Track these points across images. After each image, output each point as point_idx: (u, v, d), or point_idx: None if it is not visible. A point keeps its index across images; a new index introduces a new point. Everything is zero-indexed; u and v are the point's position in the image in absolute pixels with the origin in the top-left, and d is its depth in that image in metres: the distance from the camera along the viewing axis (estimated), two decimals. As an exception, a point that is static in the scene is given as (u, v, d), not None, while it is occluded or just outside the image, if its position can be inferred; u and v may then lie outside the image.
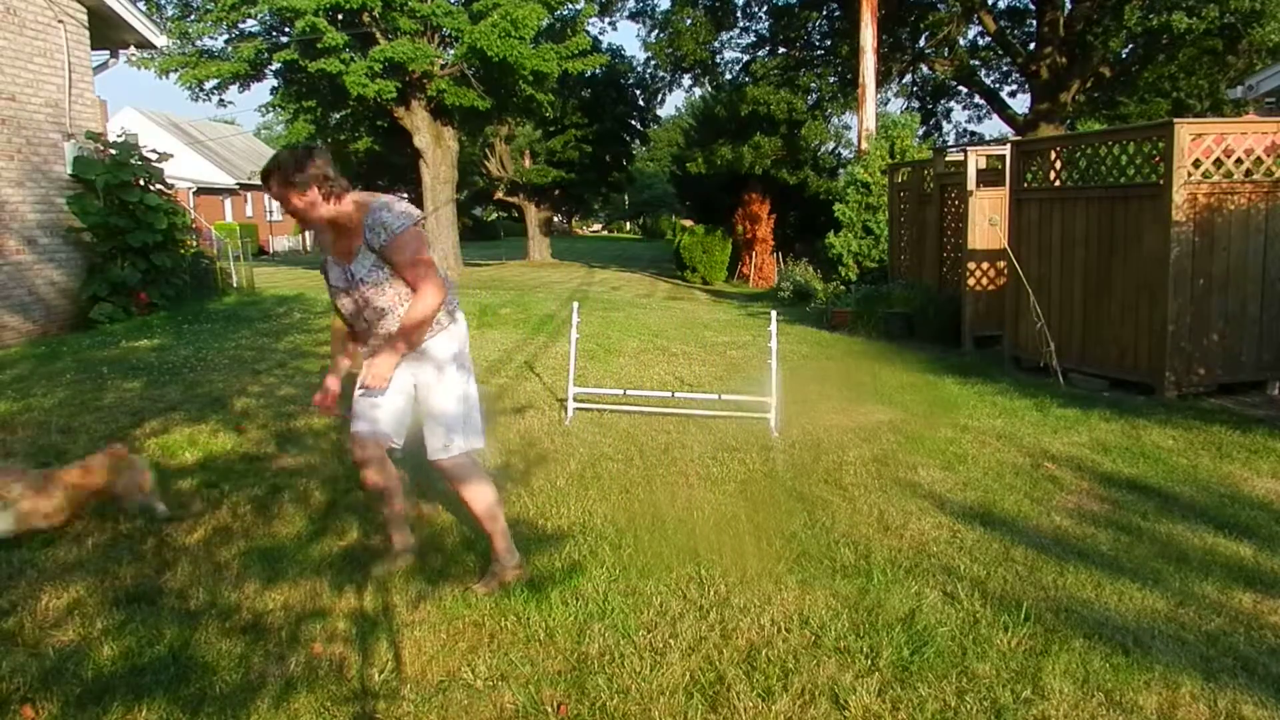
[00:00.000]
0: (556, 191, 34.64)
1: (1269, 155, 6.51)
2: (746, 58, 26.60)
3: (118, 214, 10.55)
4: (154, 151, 11.40)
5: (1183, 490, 4.45)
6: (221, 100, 21.49)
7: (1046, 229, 7.64)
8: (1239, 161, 6.47)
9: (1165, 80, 22.19)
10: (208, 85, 20.49)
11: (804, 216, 24.85)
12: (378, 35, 19.60)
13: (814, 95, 24.29)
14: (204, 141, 37.82)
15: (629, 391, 6.40)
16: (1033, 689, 2.62)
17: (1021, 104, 26.21)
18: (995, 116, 26.07)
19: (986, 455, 5.10)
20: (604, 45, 30.16)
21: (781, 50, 25.48)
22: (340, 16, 18.83)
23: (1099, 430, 5.63)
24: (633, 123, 34.96)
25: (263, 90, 49.72)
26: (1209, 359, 6.61)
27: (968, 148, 9.94)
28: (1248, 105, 13.04)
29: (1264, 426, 5.61)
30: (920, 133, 20.60)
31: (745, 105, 23.34)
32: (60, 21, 10.26)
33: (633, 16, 28.67)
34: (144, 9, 12.70)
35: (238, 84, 20.76)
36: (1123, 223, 6.87)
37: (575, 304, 6.61)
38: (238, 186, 36.79)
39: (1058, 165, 7.67)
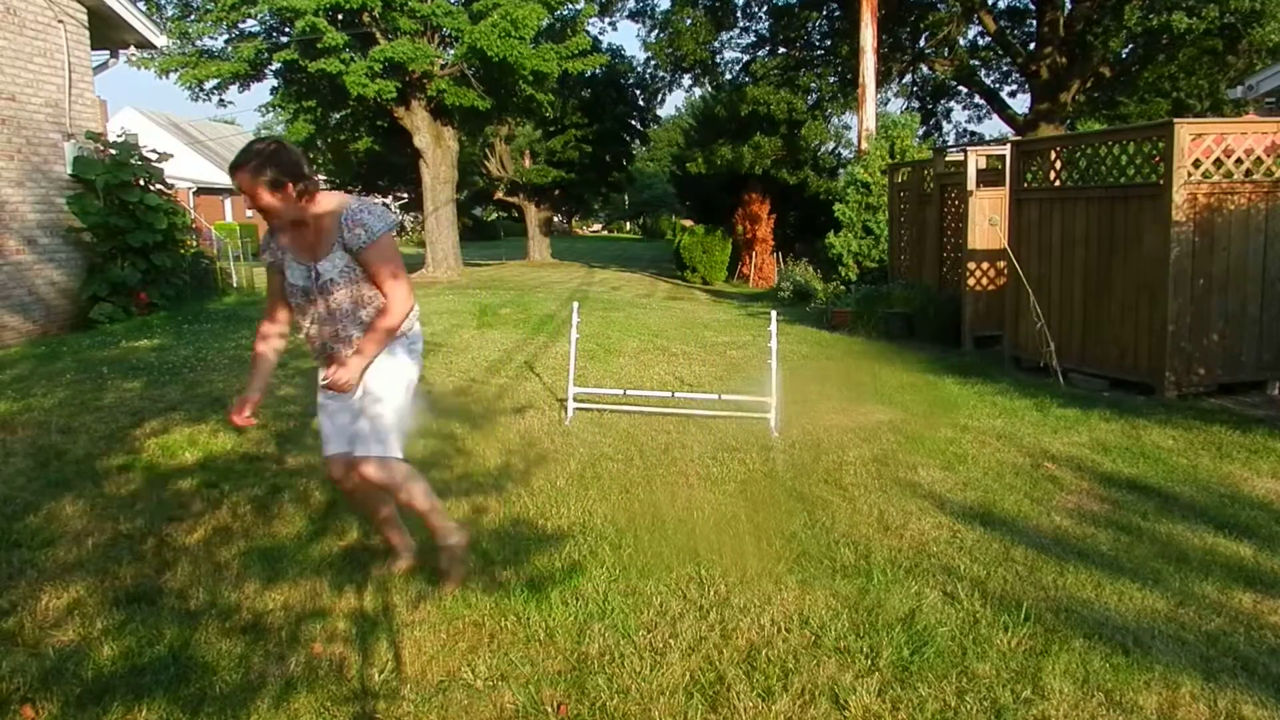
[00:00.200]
0: (556, 191, 34.64)
1: (1269, 155, 6.51)
2: (746, 58, 26.60)
3: (118, 214, 10.55)
4: (154, 151, 11.41)
5: (1183, 490, 4.45)
6: (221, 100, 21.49)
7: (1046, 229, 7.64)
8: (1239, 161, 6.47)
9: (1165, 80, 22.18)
10: (208, 85, 20.49)
11: (804, 216, 24.84)
12: (378, 35, 19.61)
13: (814, 95, 24.28)
14: (204, 141, 37.84)
15: (629, 391, 6.40)
16: (1033, 689, 2.61)
17: (1021, 104, 26.23)
18: (995, 116, 26.08)
19: (986, 455, 5.10)
20: (604, 45, 30.15)
21: (781, 50, 25.46)
22: (340, 16, 18.83)
23: (1099, 430, 5.63)
24: (633, 123, 34.94)
25: (263, 90, 49.80)
26: (1209, 359, 6.61)
27: (968, 148, 9.94)
28: (1248, 105, 13.05)
29: (1264, 426, 5.61)
30: (920, 133, 20.60)
31: (745, 105, 23.33)
32: (60, 21, 10.26)
33: (633, 16, 28.68)
34: (144, 9, 12.70)
35: (238, 84, 20.76)
36: (1123, 223, 6.87)
37: (575, 304, 6.61)
38: (238, 186, 36.75)
39: (1058, 165, 7.67)
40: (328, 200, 3.07)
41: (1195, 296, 6.52)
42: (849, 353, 9.28)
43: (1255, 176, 6.50)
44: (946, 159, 10.73)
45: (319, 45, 18.13)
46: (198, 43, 20.63)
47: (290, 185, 2.94)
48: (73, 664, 2.75)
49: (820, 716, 2.51)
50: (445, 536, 3.28)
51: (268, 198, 2.93)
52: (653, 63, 27.82)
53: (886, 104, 25.61)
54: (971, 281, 9.32)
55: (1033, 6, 22.76)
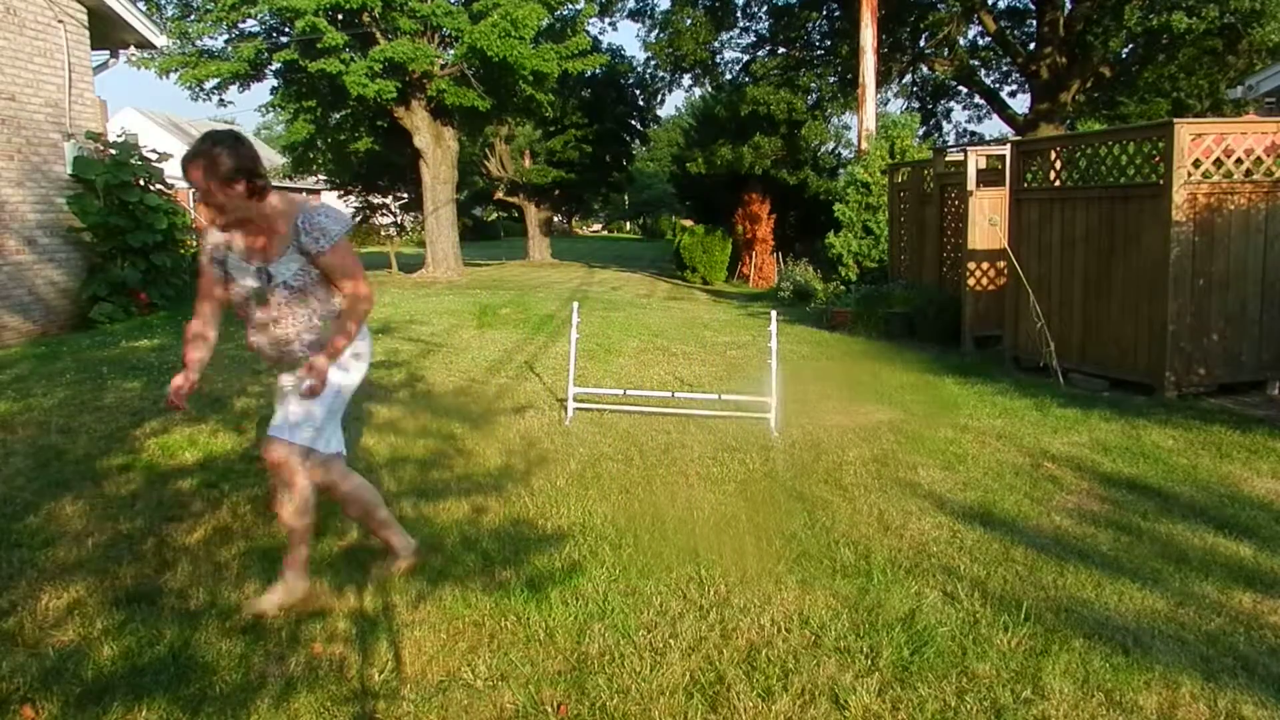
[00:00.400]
0: (556, 191, 34.62)
1: (1269, 155, 6.51)
2: (746, 58, 26.59)
3: (118, 214, 10.54)
4: (154, 151, 11.40)
5: (1183, 490, 4.45)
6: (221, 100, 21.40)
7: (1046, 229, 7.64)
8: (1239, 161, 6.47)
9: (1165, 80, 22.17)
10: (208, 85, 20.46)
11: (804, 216, 24.82)
12: (378, 35, 19.59)
13: (814, 95, 24.27)
14: (204, 141, 37.72)
15: (629, 391, 6.40)
16: (1033, 689, 2.62)
17: (1021, 104, 26.20)
18: (995, 116, 26.06)
19: (986, 455, 5.10)
20: (604, 45, 30.14)
21: (781, 50, 25.46)
22: (340, 16, 18.81)
23: (1099, 430, 5.63)
24: (633, 123, 34.93)
25: (263, 90, 49.77)
26: (1209, 359, 6.61)
27: (968, 148, 9.94)
28: (1248, 105, 13.06)
29: (1264, 426, 5.62)
30: (920, 133, 20.60)
31: (745, 105, 23.32)
32: (60, 21, 10.26)
33: (632, 16, 28.59)
34: (144, 9, 12.70)
35: (238, 84, 20.73)
36: (1123, 223, 6.87)
37: (575, 304, 6.61)
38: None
39: (1058, 165, 7.67)
40: (279, 200, 2.99)
41: (1195, 296, 6.52)
42: (849, 353, 9.28)
43: (1255, 176, 6.50)
44: (946, 159, 10.73)
45: (319, 45, 18.12)
46: (198, 43, 20.60)
47: (245, 182, 2.84)
48: (73, 664, 2.75)
49: (820, 716, 2.51)
50: (295, 555, 3.14)
51: (220, 193, 2.82)
52: (653, 63, 27.81)
53: (886, 104, 25.64)
54: (971, 281, 9.32)
55: (1033, 6, 22.75)
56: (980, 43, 25.92)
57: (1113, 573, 3.42)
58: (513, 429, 5.71)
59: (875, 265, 13.89)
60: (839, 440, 5.43)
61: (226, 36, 20.79)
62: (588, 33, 22.44)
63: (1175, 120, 6.48)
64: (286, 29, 19.49)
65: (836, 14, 24.26)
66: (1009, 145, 8.44)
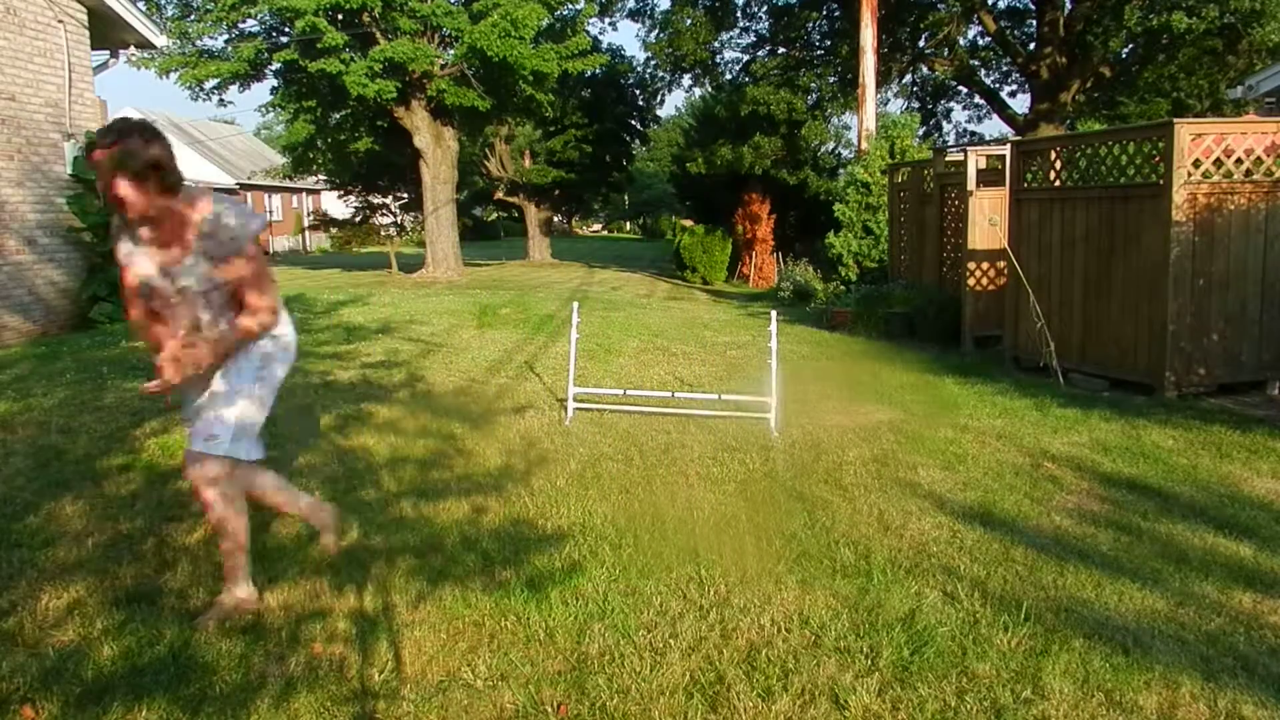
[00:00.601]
0: (556, 191, 34.62)
1: (1269, 155, 6.51)
2: (746, 58, 26.59)
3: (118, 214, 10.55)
4: (154, 151, 11.40)
5: (1183, 490, 4.45)
6: (221, 100, 21.44)
7: (1046, 229, 7.64)
8: (1239, 161, 6.47)
9: (1165, 80, 22.17)
10: (208, 85, 20.47)
11: (804, 216, 24.82)
12: (378, 35, 19.60)
13: (814, 95, 24.27)
14: (204, 141, 37.83)
15: (629, 391, 6.40)
16: (1033, 689, 2.62)
17: (1021, 104, 26.21)
18: (995, 116, 26.06)
19: (986, 455, 5.10)
20: (604, 45, 30.15)
21: (781, 50, 25.46)
22: (340, 16, 18.82)
23: (1099, 430, 5.63)
24: (633, 123, 34.93)
25: (263, 90, 49.77)
26: (1209, 359, 6.61)
27: (968, 148, 9.94)
28: (1248, 105, 13.06)
29: (1264, 426, 5.62)
30: (920, 133, 20.61)
31: (745, 105, 23.32)
32: (60, 21, 10.26)
33: (632, 16, 28.58)
34: (144, 9, 12.69)
35: (238, 84, 20.74)
36: (1123, 223, 6.87)
37: (575, 304, 6.61)
38: (237, 186, 36.81)
39: (1058, 165, 7.67)
40: (190, 198, 2.80)
41: (1195, 296, 6.52)
42: (849, 353, 9.28)
43: (1255, 176, 6.50)
44: (946, 159, 10.74)
45: (319, 45, 18.12)
46: (198, 43, 20.61)
47: (156, 177, 2.65)
48: (73, 664, 2.75)
49: (820, 716, 2.51)
50: (232, 576, 3.08)
51: (127, 188, 2.62)
52: (653, 63, 27.79)
53: (886, 104, 25.63)
54: (971, 281, 9.32)
55: (1033, 6, 22.75)
56: (980, 43, 25.93)
57: (1113, 573, 3.42)
58: (513, 429, 5.71)
59: (875, 265, 13.89)
60: (839, 440, 5.43)
61: (226, 36, 20.80)
62: (588, 33, 22.45)
63: (1175, 120, 6.48)
64: (286, 29, 19.49)
65: (836, 14, 24.26)
66: (1009, 145, 8.44)
